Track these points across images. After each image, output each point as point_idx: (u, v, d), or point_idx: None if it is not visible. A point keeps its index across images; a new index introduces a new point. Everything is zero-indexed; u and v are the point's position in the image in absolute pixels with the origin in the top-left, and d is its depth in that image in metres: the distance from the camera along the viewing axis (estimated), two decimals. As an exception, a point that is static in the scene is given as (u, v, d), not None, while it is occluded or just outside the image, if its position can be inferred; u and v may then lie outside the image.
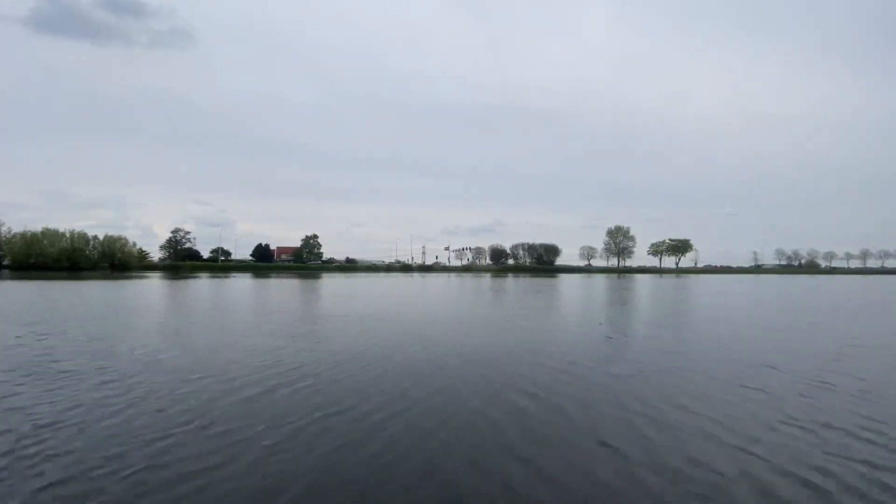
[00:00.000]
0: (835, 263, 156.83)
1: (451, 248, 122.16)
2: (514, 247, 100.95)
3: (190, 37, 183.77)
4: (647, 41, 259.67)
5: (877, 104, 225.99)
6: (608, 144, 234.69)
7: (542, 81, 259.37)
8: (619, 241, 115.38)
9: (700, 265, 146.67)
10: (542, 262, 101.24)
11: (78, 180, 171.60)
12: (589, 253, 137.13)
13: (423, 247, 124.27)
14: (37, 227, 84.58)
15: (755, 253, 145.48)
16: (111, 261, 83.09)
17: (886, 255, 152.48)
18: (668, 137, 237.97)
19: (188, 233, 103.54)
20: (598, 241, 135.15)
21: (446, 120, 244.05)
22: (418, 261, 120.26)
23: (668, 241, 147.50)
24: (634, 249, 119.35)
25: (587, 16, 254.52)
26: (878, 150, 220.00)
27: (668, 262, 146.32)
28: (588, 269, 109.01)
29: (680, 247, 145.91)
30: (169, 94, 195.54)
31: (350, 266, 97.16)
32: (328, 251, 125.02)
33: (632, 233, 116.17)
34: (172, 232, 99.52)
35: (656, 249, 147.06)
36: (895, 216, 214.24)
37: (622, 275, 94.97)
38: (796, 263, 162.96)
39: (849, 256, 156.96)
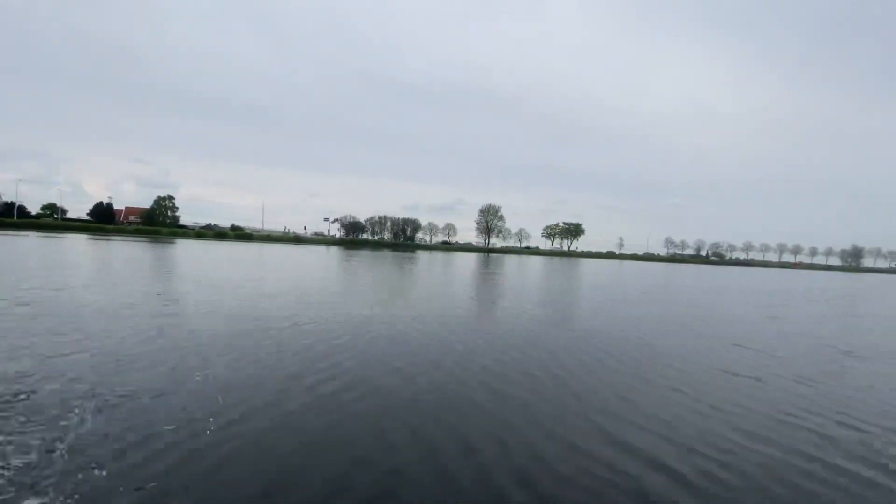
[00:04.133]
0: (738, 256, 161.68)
1: (330, 219, 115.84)
2: (370, 220, 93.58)
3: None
4: (610, 32, 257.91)
5: (818, 110, 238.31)
6: (570, 131, 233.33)
7: (508, 63, 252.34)
8: (490, 219, 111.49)
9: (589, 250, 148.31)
10: (403, 237, 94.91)
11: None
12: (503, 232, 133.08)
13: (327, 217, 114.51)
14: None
15: (620, 238, 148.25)
16: None
17: (773, 249, 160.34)
18: (625, 128, 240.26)
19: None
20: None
21: (411, 93, 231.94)
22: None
23: (561, 224, 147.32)
24: (503, 228, 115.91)
25: (555, 2, 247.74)
26: (815, 153, 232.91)
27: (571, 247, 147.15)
28: (447, 247, 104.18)
29: (572, 230, 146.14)
30: (105, 39, 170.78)
31: (151, 229, 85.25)
32: (285, 221, 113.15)
33: (501, 212, 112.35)
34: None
35: (549, 232, 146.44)
36: (823, 215, 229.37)
37: (489, 254, 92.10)
38: (704, 254, 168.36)
39: (730, 249, 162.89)
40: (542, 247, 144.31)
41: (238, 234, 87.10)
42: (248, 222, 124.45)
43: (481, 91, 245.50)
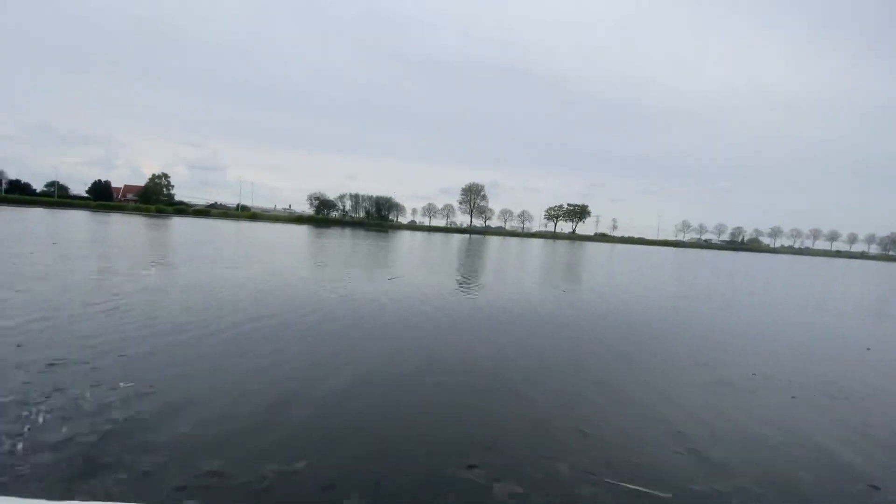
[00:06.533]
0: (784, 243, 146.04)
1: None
2: (341, 197, 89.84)
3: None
4: (657, 6, 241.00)
5: (886, 89, 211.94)
6: (610, 111, 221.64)
7: (547, 41, 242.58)
8: (474, 199, 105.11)
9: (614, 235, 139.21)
10: (377, 216, 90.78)
11: (65, 114, 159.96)
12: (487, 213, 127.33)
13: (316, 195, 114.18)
14: (22, 160, 75.78)
15: (613, 220, 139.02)
16: None
17: (806, 235, 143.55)
18: (671, 108, 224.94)
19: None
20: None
21: (447, 73, 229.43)
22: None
23: (566, 205, 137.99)
24: (489, 209, 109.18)
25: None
26: (880, 135, 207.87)
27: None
28: (425, 228, 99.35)
29: (577, 212, 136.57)
30: (157, 26, 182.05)
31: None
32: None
33: (483, 192, 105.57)
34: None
35: (552, 214, 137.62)
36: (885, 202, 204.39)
37: (473, 235, 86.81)
38: (739, 240, 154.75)
39: (756, 233, 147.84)
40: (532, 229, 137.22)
41: (196, 210, 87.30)
42: (284, 203, 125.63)
43: (519, 70, 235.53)
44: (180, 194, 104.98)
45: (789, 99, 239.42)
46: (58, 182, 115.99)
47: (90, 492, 2.33)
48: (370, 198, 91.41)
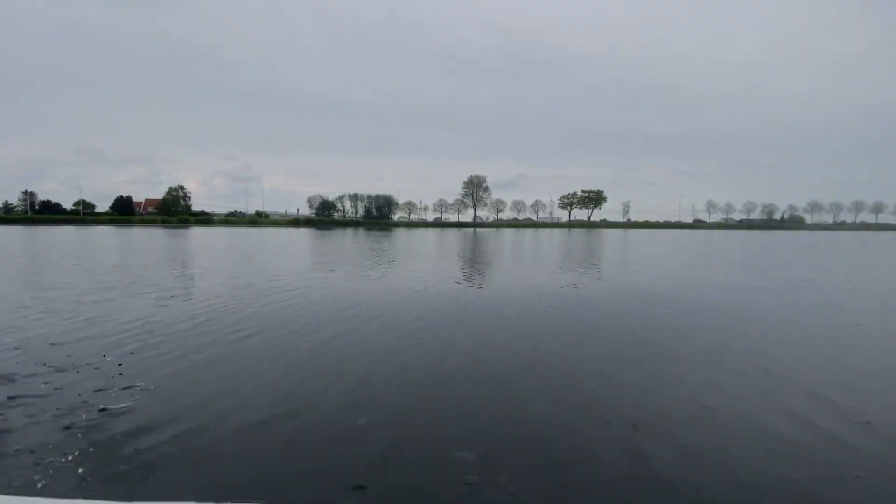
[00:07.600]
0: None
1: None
2: (340, 198, 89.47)
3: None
4: None
5: None
6: (640, 91, 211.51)
7: (568, 25, 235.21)
8: (475, 192, 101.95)
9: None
10: (377, 214, 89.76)
11: (114, 137, 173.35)
12: (498, 206, 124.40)
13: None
14: (77, 182, 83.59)
15: (625, 204, 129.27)
16: None
17: (847, 208, 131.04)
18: (705, 83, 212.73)
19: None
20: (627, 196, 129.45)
21: (468, 67, 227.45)
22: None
23: (580, 192, 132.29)
24: (501, 201, 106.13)
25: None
26: None
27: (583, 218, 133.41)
28: (433, 224, 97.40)
29: (593, 199, 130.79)
30: (188, 45, 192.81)
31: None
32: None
33: (486, 183, 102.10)
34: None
35: (567, 202, 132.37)
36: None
37: (476, 230, 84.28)
38: (779, 217, 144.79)
39: (790, 209, 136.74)
40: (562, 219, 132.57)
41: (201, 218, 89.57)
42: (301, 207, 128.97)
43: (541, 57, 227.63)
44: (212, 204, 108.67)
45: (836, 63, 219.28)
46: (84, 200, 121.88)
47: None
48: (369, 197, 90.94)
